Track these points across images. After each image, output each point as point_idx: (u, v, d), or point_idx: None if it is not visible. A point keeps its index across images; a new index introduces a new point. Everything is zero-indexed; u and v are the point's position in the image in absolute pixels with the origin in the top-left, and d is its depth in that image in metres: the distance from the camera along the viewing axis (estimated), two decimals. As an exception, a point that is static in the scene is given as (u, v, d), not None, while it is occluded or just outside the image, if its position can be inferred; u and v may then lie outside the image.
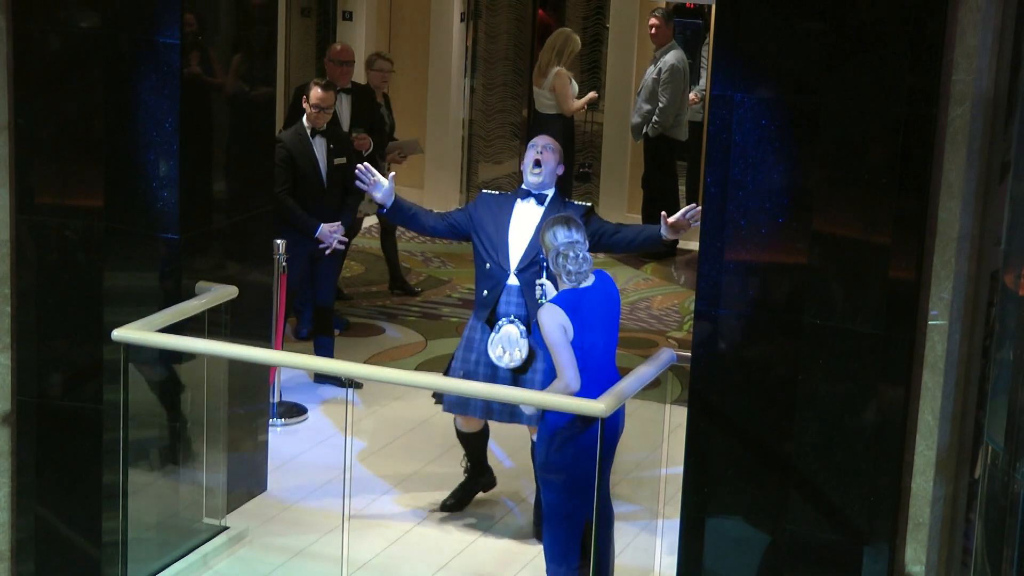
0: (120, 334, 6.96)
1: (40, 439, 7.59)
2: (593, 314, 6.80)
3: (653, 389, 7.19)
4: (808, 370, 6.49)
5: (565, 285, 6.83)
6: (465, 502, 8.09)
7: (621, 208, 13.94)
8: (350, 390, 7.50)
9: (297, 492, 8.28)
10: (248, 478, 8.14)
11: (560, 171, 7.69)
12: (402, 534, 7.79)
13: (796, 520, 6.58)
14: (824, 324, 6.43)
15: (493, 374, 7.54)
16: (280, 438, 8.89)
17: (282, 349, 9.11)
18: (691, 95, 13.25)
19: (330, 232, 9.47)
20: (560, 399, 6.70)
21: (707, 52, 13.59)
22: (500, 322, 7.55)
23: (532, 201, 7.63)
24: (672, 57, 12.98)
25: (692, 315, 7.03)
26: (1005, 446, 5.21)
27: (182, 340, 7.11)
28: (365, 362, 9.94)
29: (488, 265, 7.60)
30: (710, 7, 12.73)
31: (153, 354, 7.29)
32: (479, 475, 8.12)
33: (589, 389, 6.68)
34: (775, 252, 6.48)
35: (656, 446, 7.67)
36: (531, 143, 7.74)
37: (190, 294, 7.41)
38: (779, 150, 6.39)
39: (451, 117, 14.37)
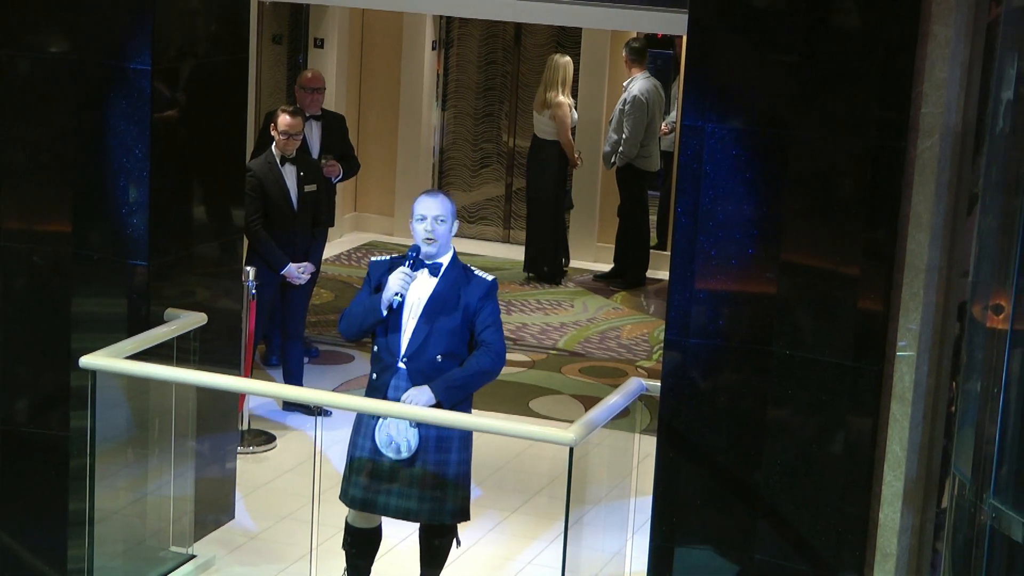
0: (88, 361, 6.93)
1: (5, 466, 7.54)
2: None
3: (622, 418, 7.18)
4: (777, 400, 6.50)
5: None
6: None
7: (591, 237, 13.95)
8: (319, 418, 7.45)
9: (265, 520, 8.25)
10: (216, 506, 8.11)
11: (456, 229, 6.89)
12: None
13: (764, 550, 6.58)
14: (793, 354, 6.44)
15: (375, 464, 6.81)
16: (248, 466, 8.86)
17: (251, 376, 9.08)
18: (662, 125, 13.27)
19: (298, 272, 9.47)
20: (528, 428, 6.67)
21: (678, 82, 13.62)
22: None
23: (424, 272, 6.79)
24: (636, 87, 12.99)
25: (661, 344, 7.02)
26: (972, 477, 5.22)
27: (150, 367, 7.08)
28: (334, 390, 9.92)
29: (376, 348, 6.84)
30: (682, 38, 12.76)
31: (121, 381, 7.26)
32: None
33: None
34: (745, 282, 6.49)
35: (625, 475, 7.65)
36: (420, 214, 6.80)
37: (159, 321, 7.39)
38: (749, 181, 6.41)
39: (422, 144, 14.38)
